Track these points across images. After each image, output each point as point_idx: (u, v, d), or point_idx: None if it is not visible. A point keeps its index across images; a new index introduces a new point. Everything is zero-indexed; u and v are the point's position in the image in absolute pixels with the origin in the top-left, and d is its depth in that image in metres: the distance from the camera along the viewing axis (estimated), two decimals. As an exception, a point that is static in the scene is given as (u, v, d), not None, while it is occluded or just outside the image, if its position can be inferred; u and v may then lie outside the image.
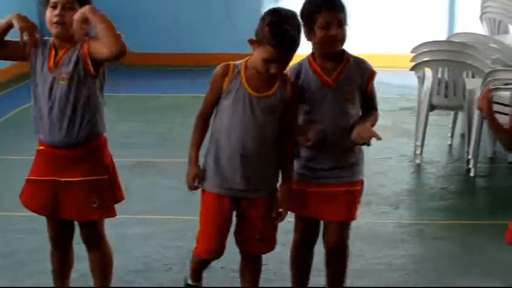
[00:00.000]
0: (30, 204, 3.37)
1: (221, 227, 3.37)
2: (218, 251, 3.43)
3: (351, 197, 3.44)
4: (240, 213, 3.39)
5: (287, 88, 3.25)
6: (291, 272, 3.66)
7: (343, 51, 3.33)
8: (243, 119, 3.22)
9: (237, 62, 3.27)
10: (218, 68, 3.25)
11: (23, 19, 3.15)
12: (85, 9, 3.03)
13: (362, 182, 3.48)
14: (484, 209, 5.46)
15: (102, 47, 3.10)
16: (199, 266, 3.57)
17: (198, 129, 3.33)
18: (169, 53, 10.24)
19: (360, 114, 3.38)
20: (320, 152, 3.29)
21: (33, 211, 3.38)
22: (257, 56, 3.14)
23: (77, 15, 3.07)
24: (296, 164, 3.45)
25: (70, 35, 3.17)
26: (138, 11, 10.11)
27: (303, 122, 3.38)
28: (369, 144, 3.28)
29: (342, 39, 3.24)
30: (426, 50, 6.01)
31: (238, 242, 3.43)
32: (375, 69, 3.37)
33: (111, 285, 3.61)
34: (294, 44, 3.11)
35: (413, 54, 5.97)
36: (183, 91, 8.69)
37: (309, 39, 3.28)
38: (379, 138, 3.14)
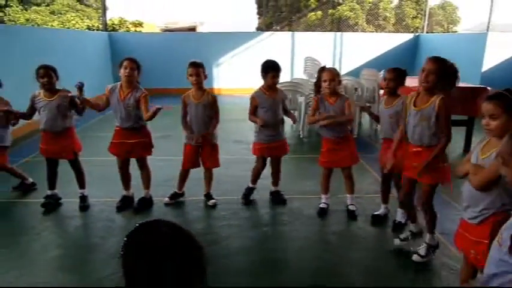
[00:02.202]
0: (115, 152, 3.57)
1: (190, 158, 3.63)
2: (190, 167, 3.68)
3: (285, 145, 3.71)
4: (201, 149, 3.61)
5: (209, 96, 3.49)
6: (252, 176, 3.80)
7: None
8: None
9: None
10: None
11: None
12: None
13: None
14: (307, 150, 5.73)
15: (143, 111, 3.33)
16: (181, 174, 3.73)
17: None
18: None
19: None
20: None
21: (116, 155, 3.58)
22: None
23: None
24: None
25: (133, 80, 3.36)
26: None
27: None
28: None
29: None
30: (281, 85, 6.03)
31: (202, 162, 3.66)
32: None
33: (150, 187, 3.66)
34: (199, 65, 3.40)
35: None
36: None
37: None
38: None
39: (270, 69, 3.52)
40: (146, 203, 3.70)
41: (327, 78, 3.24)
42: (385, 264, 2.84)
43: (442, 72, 2.48)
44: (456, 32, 16.35)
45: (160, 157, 4.60)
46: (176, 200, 3.81)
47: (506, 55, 7.84)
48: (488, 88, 5.21)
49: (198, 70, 3.44)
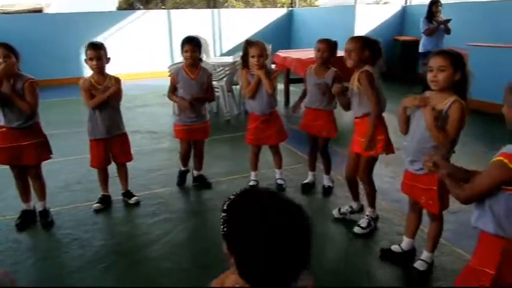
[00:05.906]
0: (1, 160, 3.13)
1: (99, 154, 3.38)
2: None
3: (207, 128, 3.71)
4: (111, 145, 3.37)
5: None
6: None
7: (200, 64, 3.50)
8: None
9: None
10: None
11: None
12: None
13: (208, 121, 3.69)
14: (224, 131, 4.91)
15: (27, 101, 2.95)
16: (99, 175, 3.48)
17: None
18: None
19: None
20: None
21: (4, 164, 3.15)
22: None
23: None
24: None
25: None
26: None
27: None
28: None
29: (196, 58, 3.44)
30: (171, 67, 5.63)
31: (114, 157, 3.43)
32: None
33: (46, 197, 3.29)
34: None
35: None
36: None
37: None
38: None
39: (183, 42, 3.47)
40: (46, 215, 3.32)
41: (255, 54, 3.21)
42: (327, 230, 3.12)
43: (364, 49, 2.68)
44: (317, 6, 17.88)
45: (58, 158, 4.11)
46: (107, 204, 3.53)
47: (373, 25, 8.97)
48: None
49: (99, 53, 3.19)
